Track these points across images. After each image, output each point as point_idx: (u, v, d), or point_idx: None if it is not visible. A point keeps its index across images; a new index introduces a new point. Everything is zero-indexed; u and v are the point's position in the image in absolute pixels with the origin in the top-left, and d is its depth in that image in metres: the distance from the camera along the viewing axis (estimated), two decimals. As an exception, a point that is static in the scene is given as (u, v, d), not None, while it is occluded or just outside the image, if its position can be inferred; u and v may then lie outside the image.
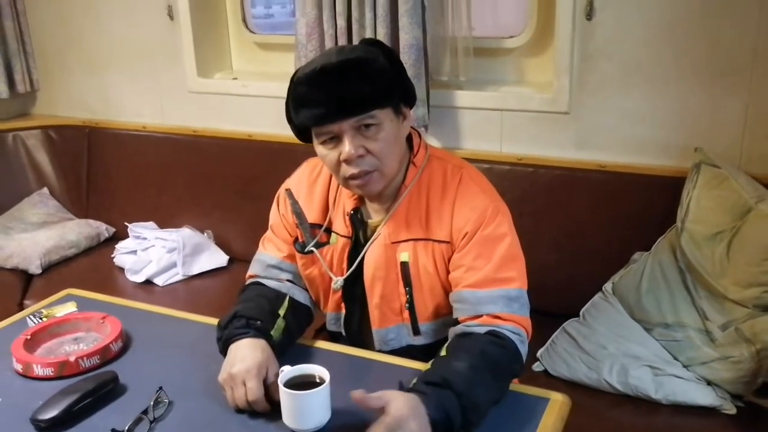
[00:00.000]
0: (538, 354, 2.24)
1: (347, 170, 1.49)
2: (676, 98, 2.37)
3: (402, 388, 1.32)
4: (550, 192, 2.50)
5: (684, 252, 2.12)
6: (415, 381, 1.34)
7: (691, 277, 2.12)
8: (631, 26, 2.37)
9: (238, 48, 3.27)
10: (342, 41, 2.61)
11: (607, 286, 2.27)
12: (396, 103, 1.51)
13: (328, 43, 2.64)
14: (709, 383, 2.04)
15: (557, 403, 1.43)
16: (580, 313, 2.27)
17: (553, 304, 2.32)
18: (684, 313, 2.11)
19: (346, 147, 1.46)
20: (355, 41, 2.58)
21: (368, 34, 2.54)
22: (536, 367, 2.23)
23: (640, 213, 2.38)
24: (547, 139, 2.58)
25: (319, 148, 1.52)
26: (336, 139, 1.48)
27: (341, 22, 2.60)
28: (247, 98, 3.07)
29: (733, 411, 1.99)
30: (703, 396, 2.00)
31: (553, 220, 2.49)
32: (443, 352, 1.44)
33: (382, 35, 2.50)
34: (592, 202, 2.45)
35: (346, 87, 1.44)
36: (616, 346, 2.13)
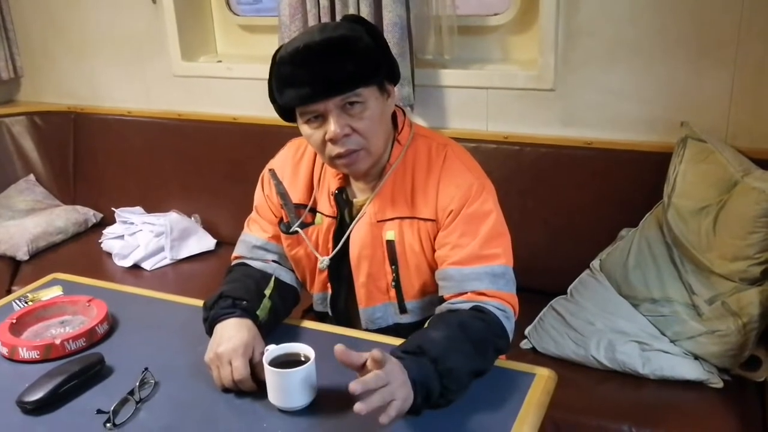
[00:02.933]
0: (526, 332, 2.24)
1: (333, 149, 1.49)
2: (662, 73, 2.36)
3: None
4: (536, 170, 2.50)
5: (671, 227, 2.13)
6: (391, 351, 1.34)
7: (678, 252, 2.13)
8: (615, 2, 2.36)
9: (223, 31, 3.25)
10: (326, 20, 2.59)
11: (595, 263, 2.28)
12: (380, 81, 1.50)
13: (312, 23, 2.62)
14: (696, 357, 2.05)
15: (543, 378, 1.44)
16: (568, 291, 2.27)
17: (541, 281, 2.33)
18: (671, 288, 2.12)
19: (332, 126, 1.45)
20: (338, 20, 2.56)
21: (351, 12, 2.52)
22: (524, 344, 2.23)
23: (627, 189, 2.38)
24: (533, 117, 2.57)
25: (304, 128, 1.51)
26: (321, 118, 1.47)
27: (324, 2, 2.58)
28: (232, 81, 3.05)
29: (720, 385, 2.00)
30: (690, 370, 2.01)
31: (540, 198, 2.49)
32: (425, 326, 1.45)
33: (365, 13, 2.48)
34: (579, 179, 2.45)
35: (331, 66, 1.42)
36: (604, 322, 2.14)
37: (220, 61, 3.15)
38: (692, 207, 2.09)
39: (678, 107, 2.36)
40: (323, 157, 1.55)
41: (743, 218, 1.98)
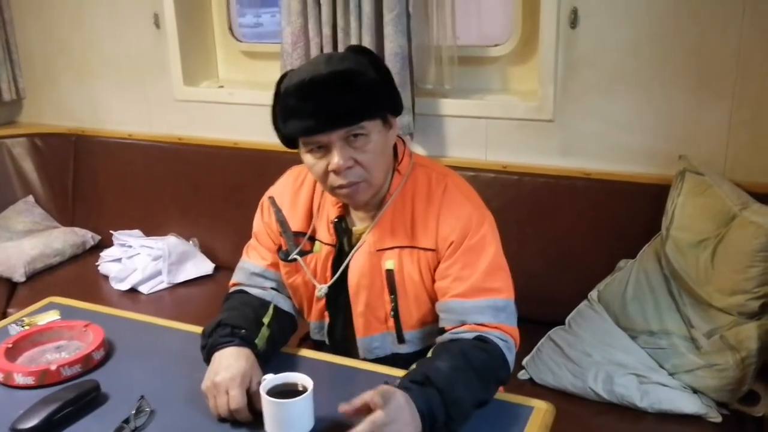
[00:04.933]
0: (524, 362, 2.23)
1: (335, 180, 1.49)
2: (660, 106, 2.38)
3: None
4: (535, 200, 2.50)
5: (669, 259, 2.13)
6: (399, 381, 1.34)
7: (676, 285, 2.12)
8: (614, 34, 2.38)
9: (225, 56, 3.27)
10: (327, 49, 2.62)
11: (593, 294, 2.28)
12: (384, 114, 1.51)
13: (314, 51, 2.64)
14: (694, 391, 2.04)
15: (541, 411, 1.43)
16: (566, 321, 2.27)
17: (539, 312, 2.32)
18: (669, 320, 2.11)
19: (335, 158, 1.45)
20: (341, 49, 2.58)
21: (353, 43, 2.54)
22: (521, 375, 2.22)
23: (625, 221, 2.38)
24: (532, 147, 2.58)
25: (307, 157, 1.52)
26: (324, 149, 1.47)
27: (327, 31, 2.60)
28: (234, 106, 3.07)
29: (718, 419, 1.99)
30: (688, 404, 2.00)
31: (538, 228, 2.49)
32: (428, 355, 1.44)
33: (367, 43, 2.50)
34: (577, 209, 2.45)
35: (336, 99, 1.43)
36: (602, 353, 2.13)
37: (221, 87, 3.17)
38: (690, 240, 2.09)
39: (677, 139, 2.37)
40: (325, 187, 1.55)
41: (741, 252, 1.98)
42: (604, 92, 2.44)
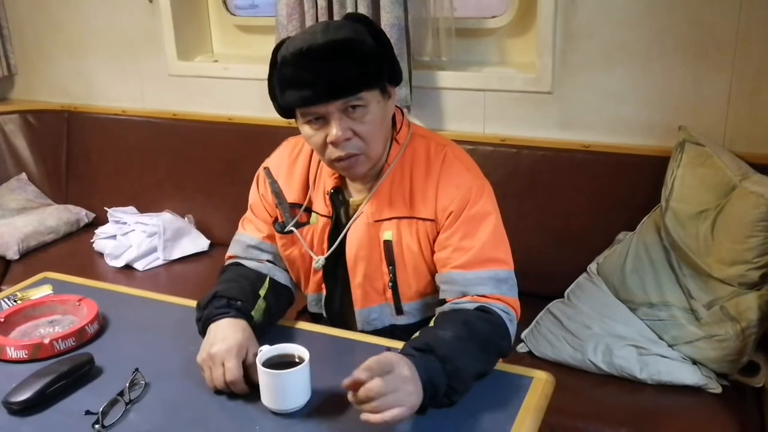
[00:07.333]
0: (523, 335, 2.22)
1: (333, 152, 1.47)
2: (660, 77, 2.35)
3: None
4: (533, 173, 2.48)
5: (668, 231, 2.11)
6: (401, 348, 1.33)
7: (676, 256, 2.11)
8: (613, 5, 2.35)
9: (219, 31, 3.23)
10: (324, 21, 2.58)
11: (592, 267, 2.26)
12: (383, 84, 1.49)
13: (309, 23, 2.60)
14: (694, 362, 2.03)
15: (541, 381, 1.42)
16: (565, 294, 2.26)
17: (538, 285, 2.30)
18: (669, 292, 2.10)
19: (333, 130, 1.43)
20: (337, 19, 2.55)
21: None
22: (521, 348, 2.21)
23: (625, 193, 2.36)
24: (531, 120, 2.56)
25: (304, 128, 1.49)
26: (322, 120, 1.45)
27: (322, 2, 2.56)
28: (228, 81, 3.03)
29: (718, 390, 1.98)
30: (688, 375, 1.99)
31: (537, 201, 2.47)
32: (431, 325, 1.43)
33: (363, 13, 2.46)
34: (577, 182, 2.43)
35: (335, 69, 1.40)
36: (601, 326, 2.12)
37: (216, 61, 3.13)
38: (690, 211, 2.07)
39: (676, 111, 2.35)
40: (323, 159, 1.53)
41: (741, 222, 1.97)
42: (603, 64, 2.42)
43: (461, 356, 1.31)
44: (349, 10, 2.51)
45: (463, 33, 2.68)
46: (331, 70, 1.40)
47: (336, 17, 2.56)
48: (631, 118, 2.42)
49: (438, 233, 1.54)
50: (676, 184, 2.12)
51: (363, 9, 2.48)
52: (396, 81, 1.54)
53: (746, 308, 1.95)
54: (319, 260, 1.62)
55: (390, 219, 1.56)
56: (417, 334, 1.38)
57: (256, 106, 2.87)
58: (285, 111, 1.51)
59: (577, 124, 2.50)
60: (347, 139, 1.45)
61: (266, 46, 2.89)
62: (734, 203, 2.00)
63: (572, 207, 2.43)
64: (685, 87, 2.33)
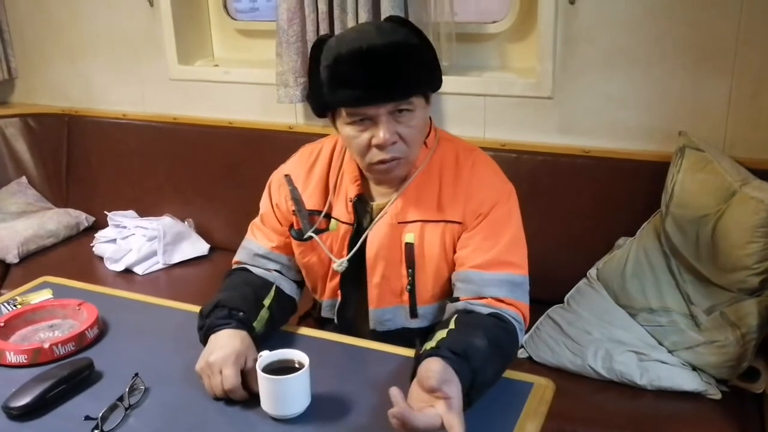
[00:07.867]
0: (523, 340, 2.21)
1: (377, 155, 1.47)
2: (660, 82, 2.35)
3: (419, 347, 1.33)
4: (533, 178, 2.48)
5: (668, 236, 2.11)
6: (434, 345, 1.30)
7: (676, 262, 2.11)
8: (613, 10, 2.35)
9: (220, 35, 3.23)
10: (323, 26, 2.58)
11: (592, 272, 2.26)
12: (430, 89, 1.50)
13: (310, 28, 2.60)
14: (694, 368, 2.03)
15: (541, 387, 1.42)
16: (565, 299, 2.26)
17: (538, 290, 2.23)
18: (669, 297, 2.10)
19: (381, 132, 1.43)
20: (337, 26, 2.55)
21: (349, 19, 2.51)
22: (520, 353, 2.21)
23: (625, 198, 2.36)
24: (531, 125, 2.55)
25: (347, 129, 1.48)
26: (368, 121, 1.45)
27: (322, 7, 2.56)
28: (229, 85, 3.02)
29: (718, 396, 1.98)
30: (688, 381, 1.99)
31: (537, 206, 2.45)
32: (452, 325, 1.38)
33: (364, 19, 2.46)
34: (577, 187, 2.43)
35: (393, 70, 1.41)
36: (601, 331, 2.12)
37: (216, 65, 3.13)
38: (690, 216, 2.07)
39: (676, 116, 2.35)
40: (361, 161, 1.52)
41: (741, 228, 1.97)
42: (603, 69, 2.42)
43: (488, 369, 1.31)
44: (350, 15, 2.51)
45: (464, 38, 2.68)
46: (390, 71, 1.41)
47: (337, 22, 2.56)
48: (631, 123, 2.42)
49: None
50: (676, 190, 2.12)
51: (363, 14, 2.48)
52: (437, 88, 1.54)
53: (746, 314, 1.95)
54: (341, 263, 1.60)
55: (414, 221, 1.55)
56: (444, 331, 1.35)
57: (257, 111, 2.86)
58: (322, 109, 1.51)
59: (577, 129, 2.50)
60: (393, 142, 1.45)
61: (267, 50, 2.90)
62: (734, 209, 2.00)
63: (572, 212, 2.43)
64: (685, 92, 2.33)
